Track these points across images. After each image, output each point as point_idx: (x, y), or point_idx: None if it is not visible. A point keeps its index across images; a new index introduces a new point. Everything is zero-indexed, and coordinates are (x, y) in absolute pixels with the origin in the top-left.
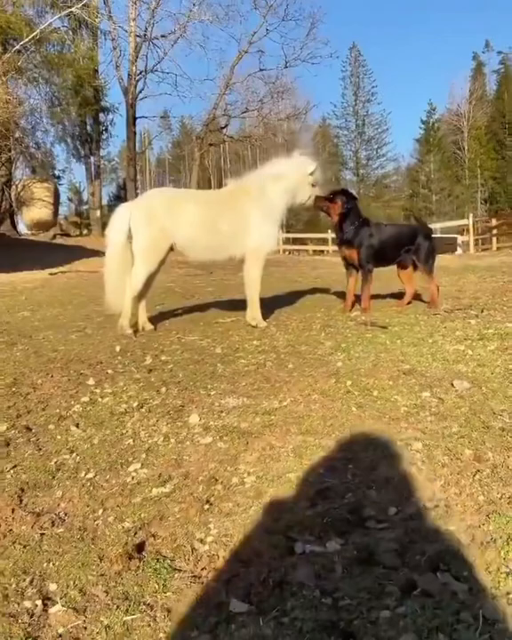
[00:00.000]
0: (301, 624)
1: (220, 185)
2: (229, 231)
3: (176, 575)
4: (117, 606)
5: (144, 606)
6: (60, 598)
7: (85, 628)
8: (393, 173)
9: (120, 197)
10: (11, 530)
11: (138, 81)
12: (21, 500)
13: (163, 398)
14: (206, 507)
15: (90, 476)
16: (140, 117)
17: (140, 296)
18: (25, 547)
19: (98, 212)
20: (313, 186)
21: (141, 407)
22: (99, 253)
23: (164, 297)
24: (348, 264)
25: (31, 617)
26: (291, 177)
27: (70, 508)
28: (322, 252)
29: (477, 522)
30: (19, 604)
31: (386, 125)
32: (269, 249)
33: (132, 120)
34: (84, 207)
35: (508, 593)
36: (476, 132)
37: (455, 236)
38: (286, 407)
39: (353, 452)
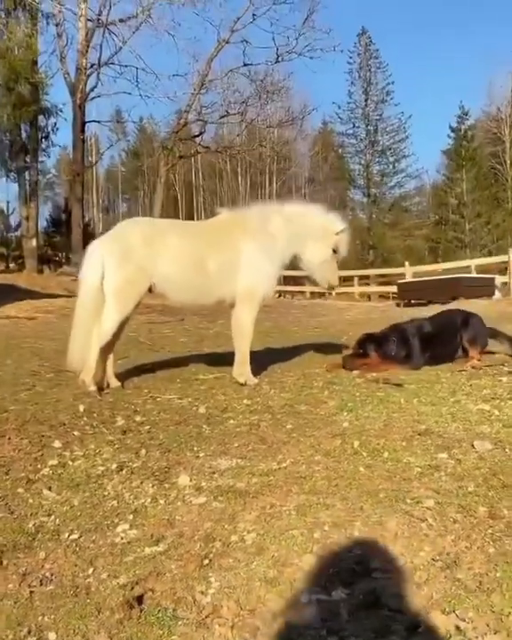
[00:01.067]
0: None
1: (190, 207)
2: (218, 270)
3: (179, 622)
4: None
5: None
6: None
7: None
8: (414, 194)
9: (60, 223)
10: None
11: (89, 76)
12: (2, 562)
13: (143, 461)
14: (205, 562)
15: (74, 537)
16: (90, 121)
17: (109, 347)
18: (15, 602)
19: (33, 242)
20: (334, 252)
21: (121, 469)
22: (35, 295)
23: (128, 349)
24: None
25: None
26: (309, 223)
27: (56, 568)
28: (321, 294)
29: (485, 570)
30: None
31: (405, 133)
32: (265, 293)
33: (80, 125)
34: (12, 234)
35: (507, 628)
36: None
37: (493, 276)
38: (286, 468)
39: (360, 510)
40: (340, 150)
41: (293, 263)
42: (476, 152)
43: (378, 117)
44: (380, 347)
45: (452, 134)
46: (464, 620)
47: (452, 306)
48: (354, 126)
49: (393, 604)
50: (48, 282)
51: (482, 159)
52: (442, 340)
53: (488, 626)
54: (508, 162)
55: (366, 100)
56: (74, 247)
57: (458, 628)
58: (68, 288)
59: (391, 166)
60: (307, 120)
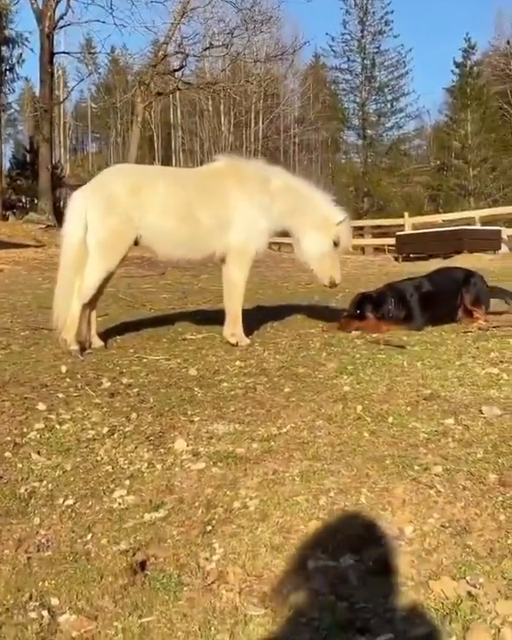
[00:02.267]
0: (318, 623)
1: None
2: (211, 222)
3: (185, 588)
4: (129, 613)
5: (158, 612)
6: (68, 609)
7: (100, 631)
8: (414, 136)
9: (25, 164)
10: None
11: (58, 2)
12: None
13: (136, 425)
14: (208, 528)
15: (69, 502)
16: (59, 53)
17: (91, 303)
18: (13, 568)
19: None
20: (335, 245)
21: (112, 434)
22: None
23: (108, 306)
24: None
25: (41, 625)
26: (310, 206)
27: (52, 534)
28: None
29: (496, 537)
30: (23, 615)
31: (404, 68)
32: (258, 249)
33: (48, 56)
34: None
35: None
36: None
37: (499, 228)
38: (287, 433)
39: (366, 476)
40: (332, 87)
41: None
42: (483, 90)
43: (375, 50)
44: (377, 307)
45: (457, 70)
46: (475, 586)
47: (457, 260)
48: (349, 60)
49: (404, 571)
50: (14, 230)
51: (488, 98)
52: (441, 300)
53: (499, 592)
54: None
55: (363, 31)
56: (41, 192)
57: (469, 593)
58: (36, 237)
59: (389, 105)
60: (298, 54)
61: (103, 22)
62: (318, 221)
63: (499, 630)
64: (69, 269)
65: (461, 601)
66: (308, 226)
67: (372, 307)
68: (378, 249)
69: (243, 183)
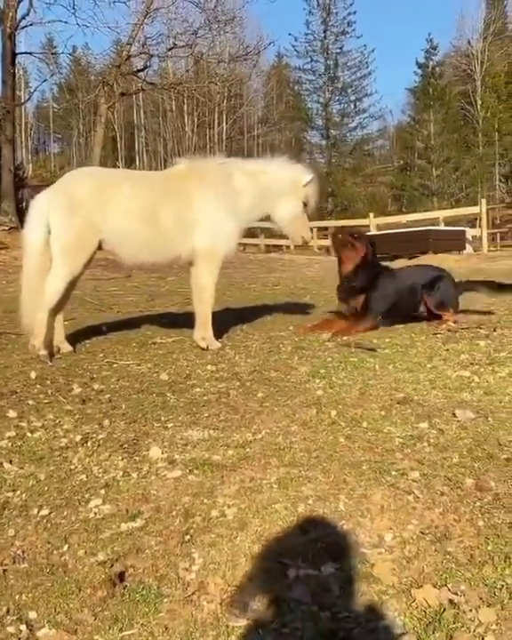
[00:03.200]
0: (301, 633)
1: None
2: (175, 225)
3: (165, 600)
4: (109, 627)
5: (138, 625)
6: (46, 622)
7: None
8: (377, 136)
9: None
10: None
11: (20, 2)
12: None
13: (109, 432)
14: (186, 538)
15: (43, 513)
16: (21, 53)
17: (58, 308)
18: None
19: None
20: (304, 204)
21: (86, 442)
22: None
23: (74, 309)
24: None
25: (19, 639)
26: (275, 179)
27: (28, 545)
28: (278, 247)
29: (476, 543)
30: (1, 630)
31: (367, 68)
32: (226, 251)
33: (10, 57)
34: None
35: (500, 601)
36: (492, 80)
37: (463, 228)
38: (262, 439)
39: (343, 483)
40: (296, 87)
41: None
42: (445, 91)
43: (338, 51)
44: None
45: (419, 71)
46: (457, 594)
47: (422, 260)
48: (312, 60)
49: (386, 580)
50: None
51: (451, 99)
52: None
53: (481, 599)
54: (479, 102)
55: (325, 32)
56: (4, 193)
57: (451, 601)
58: None
59: (352, 105)
60: (262, 54)
61: (66, 22)
62: (286, 188)
63: (482, 638)
64: (33, 274)
65: (444, 609)
66: (278, 198)
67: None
68: None
69: (205, 184)
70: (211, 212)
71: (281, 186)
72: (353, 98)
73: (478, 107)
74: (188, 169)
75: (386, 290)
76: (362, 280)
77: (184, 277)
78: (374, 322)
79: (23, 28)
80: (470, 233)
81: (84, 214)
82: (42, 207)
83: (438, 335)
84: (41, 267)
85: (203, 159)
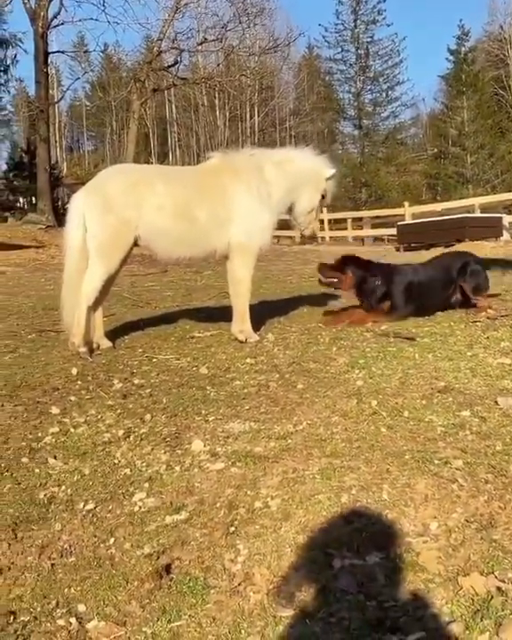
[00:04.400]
0: (348, 623)
1: (164, 144)
2: (209, 219)
3: (212, 591)
4: (158, 618)
5: (186, 617)
6: (96, 615)
7: (130, 637)
8: (410, 125)
9: (22, 165)
10: (13, 562)
11: (51, 1)
12: (16, 535)
13: (151, 426)
14: (231, 529)
15: (89, 507)
16: (54, 52)
17: (96, 305)
18: (38, 575)
19: None
20: (322, 197)
21: (128, 436)
22: (0, 246)
23: (112, 305)
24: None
25: (69, 632)
26: (301, 169)
27: (75, 539)
28: (313, 239)
29: None
30: (52, 623)
31: (398, 57)
32: (261, 244)
33: (43, 56)
34: None
35: None
36: None
37: (500, 214)
38: (303, 431)
39: (386, 472)
40: (327, 78)
41: None
42: (478, 77)
43: (369, 40)
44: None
45: (451, 57)
46: (504, 581)
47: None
48: (342, 51)
49: (432, 568)
50: (13, 232)
51: (484, 84)
52: (434, 289)
53: None
54: None
55: (356, 21)
56: (40, 192)
57: (499, 588)
58: (36, 238)
59: (384, 94)
60: (292, 46)
61: (96, 20)
62: (310, 178)
63: None
64: (73, 272)
65: (492, 597)
66: (303, 187)
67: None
68: (378, 239)
69: (239, 178)
70: (245, 205)
71: (306, 175)
72: (385, 87)
73: None
74: (220, 163)
75: (398, 286)
76: (366, 290)
77: (220, 271)
78: (389, 312)
79: (54, 27)
80: (507, 219)
81: (119, 212)
82: (78, 206)
83: (478, 323)
84: (81, 265)
85: (234, 152)
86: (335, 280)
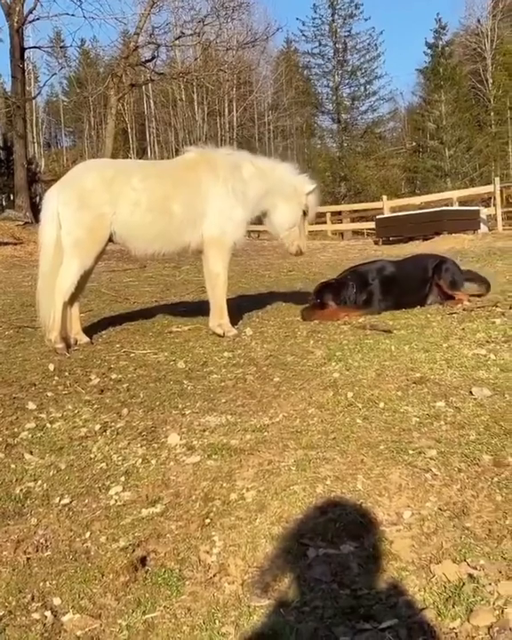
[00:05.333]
0: (322, 611)
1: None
2: (184, 213)
3: (187, 582)
4: (133, 610)
5: (161, 608)
6: (71, 608)
7: (104, 630)
8: (389, 118)
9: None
10: None
11: None
12: None
13: (127, 420)
14: (206, 521)
15: (65, 501)
16: (30, 48)
17: (72, 300)
18: (13, 569)
19: None
20: (304, 214)
21: (104, 431)
22: None
23: (90, 301)
24: None
25: (44, 625)
26: (280, 180)
27: (51, 534)
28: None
29: (494, 518)
30: (26, 616)
31: (376, 51)
32: (235, 239)
33: (19, 52)
34: None
35: None
36: (503, 58)
37: (477, 208)
38: (279, 423)
39: (361, 463)
40: (305, 72)
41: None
42: (456, 71)
43: (346, 34)
44: (337, 295)
45: (429, 51)
46: (476, 568)
47: (437, 241)
48: (320, 45)
49: (405, 556)
50: None
51: (461, 78)
52: (408, 286)
53: (500, 572)
54: (490, 80)
55: (333, 15)
56: (18, 189)
57: (470, 575)
58: (14, 235)
59: (362, 88)
60: (270, 40)
61: (72, 15)
62: (289, 193)
63: (502, 611)
64: (48, 269)
65: (463, 583)
66: (279, 199)
67: (333, 295)
68: (357, 233)
69: (215, 173)
70: (219, 199)
71: (285, 187)
72: (363, 81)
73: (489, 85)
74: (197, 157)
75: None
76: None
77: (198, 267)
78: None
79: (30, 22)
80: (485, 212)
81: (94, 207)
82: (53, 202)
83: (454, 315)
84: (56, 261)
85: (212, 148)
86: (323, 316)
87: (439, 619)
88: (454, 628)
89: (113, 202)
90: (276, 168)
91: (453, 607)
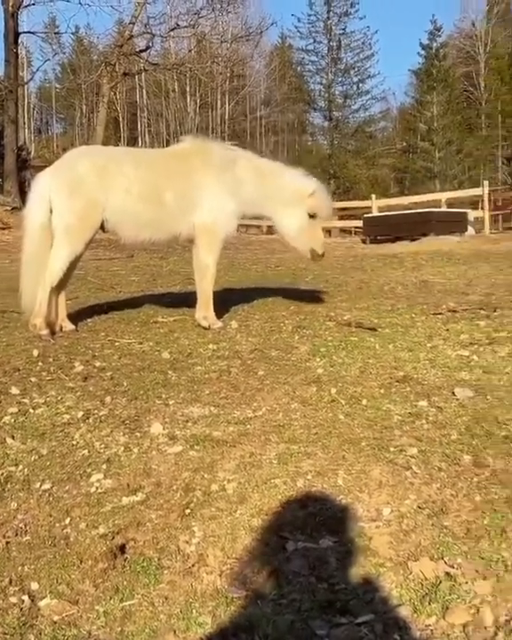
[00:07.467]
0: (299, 604)
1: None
2: (176, 201)
3: (165, 571)
4: (110, 597)
5: (139, 596)
6: (48, 593)
7: (81, 615)
8: (380, 118)
9: None
10: None
11: None
12: None
13: (110, 409)
14: (187, 511)
15: (45, 487)
16: (25, 32)
17: (59, 287)
18: None
19: None
20: (311, 216)
21: (87, 418)
22: None
23: (77, 289)
24: None
25: (21, 610)
26: (278, 185)
27: (30, 519)
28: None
29: (472, 517)
30: (4, 600)
31: (370, 50)
32: (226, 230)
33: (13, 36)
34: None
35: (496, 574)
36: (496, 62)
37: (465, 210)
38: (262, 416)
39: (342, 459)
40: (298, 68)
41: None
42: (449, 73)
43: (341, 32)
44: None
45: (423, 52)
46: (453, 567)
47: (424, 242)
48: (315, 42)
49: (383, 552)
50: None
51: (454, 80)
52: None
53: (477, 572)
54: (483, 84)
55: (329, 13)
56: (7, 174)
57: (447, 574)
58: (2, 220)
59: (355, 87)
60: (264, 35)
61: (68, 1)
62: (289, 197)
63: (478, 610)
64: (34, 254)
65: (440, 581)
66: (280, 205)
67: None
68: (345, 231)
69: (209, 164)
70: (212, 190)
71: (283, 193)
72: (356, 79)
73: (481, 89)
74: (192, 147)
75: None
76: None
77: (186, 258)
78: None
79: (25, 6)
80: (472, 215)
81: (87, 194)
82: (43, 186)
83: (439, 315)
84: (42, 246)
85: (208, 139)
86: None
87: (415, 615)
88: (430, 625)
89: (105, 189)
90: (275, 171)
91: (430, 604)
